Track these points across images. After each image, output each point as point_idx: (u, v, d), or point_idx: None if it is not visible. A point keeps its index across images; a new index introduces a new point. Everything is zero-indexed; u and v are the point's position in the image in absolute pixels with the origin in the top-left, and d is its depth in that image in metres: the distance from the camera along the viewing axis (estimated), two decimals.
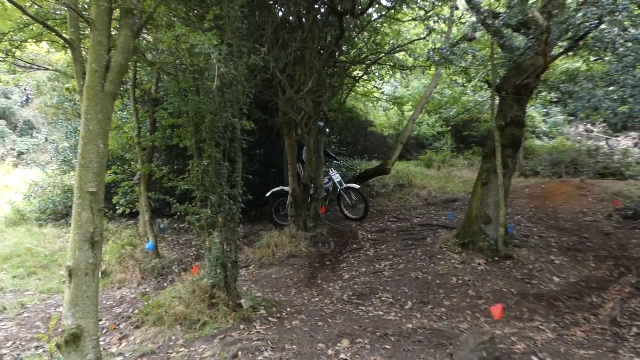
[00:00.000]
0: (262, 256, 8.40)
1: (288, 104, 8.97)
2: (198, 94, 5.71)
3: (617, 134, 12.60)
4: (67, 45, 3.70)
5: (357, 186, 10.87)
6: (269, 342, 4.54)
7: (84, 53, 3.95)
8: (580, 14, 6.06)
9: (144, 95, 8.94)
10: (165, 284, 7.14)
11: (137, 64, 7.83)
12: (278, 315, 5.49)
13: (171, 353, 4.40)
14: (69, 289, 2.96)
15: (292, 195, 9.54)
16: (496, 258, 7.31)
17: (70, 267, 2.96)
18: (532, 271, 7.01)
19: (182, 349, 4.49)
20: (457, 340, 4.53)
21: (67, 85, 9.27)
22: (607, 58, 7.38)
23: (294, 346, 4.52)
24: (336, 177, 10.89)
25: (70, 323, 2.87)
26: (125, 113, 10.35)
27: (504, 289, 6.49)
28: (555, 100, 14.51)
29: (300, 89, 8.74)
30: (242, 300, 5.41)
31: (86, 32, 5.25)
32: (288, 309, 5.79)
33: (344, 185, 10.81)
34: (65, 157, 12.55)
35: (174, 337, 4.81)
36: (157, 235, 8.50)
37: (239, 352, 4.29)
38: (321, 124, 10.24)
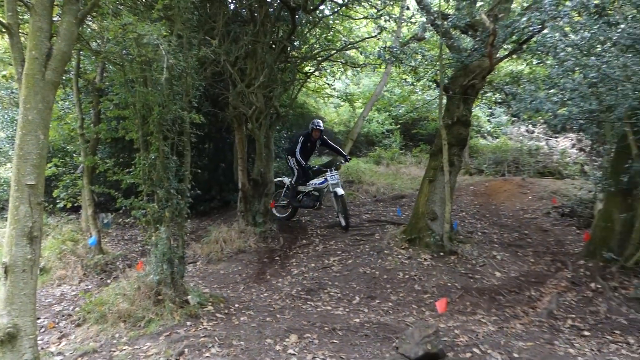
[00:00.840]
0: (210, 252, 8.28)
1: (239, 98, 8.88)
2: (146, 85, 5.56)
3: (557, 135, 13.17)
4: (3, 30, 3.52)
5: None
6: (216, 338, 4.50)
7: (23, 39, 3.76)
8: (524, 19, 6.29)
9: (88, 86, 8.63)
10: (108, 281, 6.93)
11: (81, 52, 7.54)
12: (226, 311, 5.44)
13: (114, 352, 4.28)
14: (5, 286, 2.82)
15: (241, 191, 9.46)
16: (441, 253, 7.51)
17: (6, 263, 2.83)
18: (475, 266, 7.25)
19: (126, 347, 4.37)
20: (403, 334, 4.63)
21: (3, 73, 8.82)
22: (548, 62, 7.69)
23: (241, 342, 4.49)
24: (333, 180, 9.50)
25: (6, 322, 2.74)
26: (67, 103, 9.96)
27: (449, 284, 6.68)
28: (499, 101, 15.06)
29: (252, 83, 8.66)
30: (189, 297, 5.33)
31: (25, 16, 5.01)
32: (236, 305, 5.74)
33: (341, 192, 9.35)
34: (1, 148, 11.97)
35: (117, 335, 4.68)
36: (101, 231, 8.24)
37: (186, 350, 4.23)
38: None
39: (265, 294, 6.55)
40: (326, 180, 9.60)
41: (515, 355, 4.48)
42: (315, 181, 9.81)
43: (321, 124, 9.82)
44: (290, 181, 9.88)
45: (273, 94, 9.47)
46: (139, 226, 8.74)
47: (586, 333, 5.23)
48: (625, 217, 6.48)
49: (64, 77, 8.80)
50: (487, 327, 5.42)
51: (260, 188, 9.57)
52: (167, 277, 5.22)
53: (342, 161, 10.45)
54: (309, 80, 12.57)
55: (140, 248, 8.85)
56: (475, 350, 4.59)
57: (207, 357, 4.12)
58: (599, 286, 6.11)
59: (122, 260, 7.94)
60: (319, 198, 9.68)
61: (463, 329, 5.28)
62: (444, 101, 8.27)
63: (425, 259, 7.35)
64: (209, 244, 8.52)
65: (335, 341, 4.72)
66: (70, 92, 9.14)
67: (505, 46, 8.28)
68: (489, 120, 19.74)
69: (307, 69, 11.95)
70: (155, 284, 5.20)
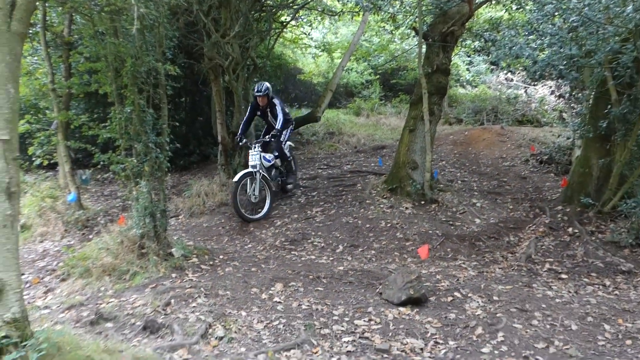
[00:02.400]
0: (192, 205, 8.25)
1: (214, 49, 8.65)
2: (117, 36, 5.36)
3: (535, 82, 13.20)
4: None
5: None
6: (202, 289, 4.54)
7: None
8: None
9: (56, 39, 8.29)
10: (90, 236, 6.89)
11: (47, 3, 7.20)
12: (211, 262, 5.48)
13: (101, 304, 4.29)
14: None
15: (221, 144, 9.35)
16: (422, 202, 7.60)
17: None
18: (455, 214, 7.37)
19: (112, 299, 4.39)
20: (386, 280, 4.73)
21: None
22: (528, 7, 7.63)
23: (227, 292, 4.54)
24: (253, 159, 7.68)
25: None
26: (36, 58, 9.59)
27: (430, 231, 6.79)
28: (478, 49, 14.95)
29: (227, 34, 8.42)
30: (173, 250, 5.33)
31: None
32: (221, 257, 5.78)
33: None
34: None
35: (103, 288, 4.69)
36: (80, 187, 8.13)
37: (172, 300, 4.26)
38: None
39: (249, 245, 6.59)
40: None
41: (495, 298, 4.62)
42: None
43: (263, 87, 7.98)
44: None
45: (249, 45, 9.26)
46: (119, 181, 8.61)
47: (563, 276, 5.40)
48: (603, 163, 6.59)
49: (30, 31, 8.44)
50: (468, 272, 5.55)
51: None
52: (150, 231, 5.21)
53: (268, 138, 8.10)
54: (285, 30, 12.29)
55: (120, 203, 8.77)
56: (456, 294, 4.71)
57: (194, 307, 4.17)
58: (576, 231, 6.27)
59: (103, 216, 7.88)
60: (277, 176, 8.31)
61: (444, 274, 5.41)
62: (423, 49, 8.17)
63: (406, 208, 7.44)
64: (190, 198, 8.48)
65: (320, 289, 4.80)
66: (38, 46, 8.78)
67: None
68: (468, 69, 19.67)
69: (283, 18, 11.65)
70: (138, 237, 5.18)
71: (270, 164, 8.01)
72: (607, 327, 4.02)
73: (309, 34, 14.26)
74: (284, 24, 11.37)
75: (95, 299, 4.45)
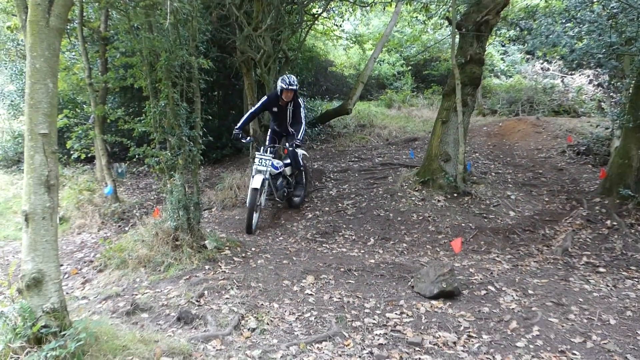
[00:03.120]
0: (225, 198, 8.35)
1: (246, 42, 8.69)
2: (151, 31, 5.44)
3: (573, 71, 12.84)
4: None
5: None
6: (234, 280, 4.59)
7: None
8: None
9: (93, 34, 8.48)
10: (126, 228, 7.05)
11: None
12: (243, 255, 5.53)
13: (136, 295, 4.39)
14: (27, 233, 2.87)
15: (253, 137, 9.41)
16: (455, 194, 7.51)
17: (26, 211, 2.86)
18: (489, 206, 7.25)
19: (148, 290, 4.49)
20: (418, 273, 4.69)
21: (8, 24, 8.67)
22: None
23: (259, 284, 4.58)
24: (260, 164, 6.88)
25: (31, 267, 2.80)
26: (74, 53, 9.85)
27: (463, 224, 6.70)
28: (513, 38, 14.62)
29: (259, 27, 8.45)
30: (206, 242, 5.41)
31: None
32: (252, 249, 5.83)
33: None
34: (12, 101, 11.98)
35: (138, 280, 4.80)
36: (116, 180, 8.32)
37: (205, 292, 4.32)
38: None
39: (280, 238, 6.63)
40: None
41: (530, 291, 4.53)
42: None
43: (294, 81, 7.08)
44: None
45: (281, 37, 9.27)
46: (153, 174, 8.80)
47: (601, 269, 5.26)
48: None
49: (68, 26, 8.66)
50: (502, 266, 5.46)
51: None
52: (184, 223, 5.29)
53: (287, 145, 7.24)
54: (317, 22, 12.25)
55: (155, 196, 8.94)
56: (490, 287, 4.64)
57: (227, 298, 4.22)
58: (615, 223, 6.10)
59: (138, 208, 8.05)
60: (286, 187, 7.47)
61: (478, 267, 5.33)
62: (457, 39, 8.03)
63: (439, 200, 7.35)
64: (223, 191, 8.58)
65: (351, 281, 4.80)
66: (76, 42, 9.01)
67: None
68: (502, 59, 19.26)
69: (314, 10, 11.61)
70: (172, 230, 5.27)
71: (278, 171, 7.13)
72: None
73: (340, 26, 14.18)
74: (316, 16, 11.33)
75: (131, 290, 4.56)
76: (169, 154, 5.40)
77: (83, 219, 7.53)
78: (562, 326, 3.82)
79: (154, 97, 5.47)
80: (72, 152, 8.85)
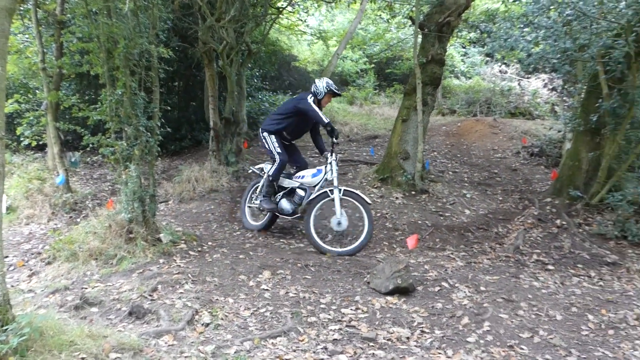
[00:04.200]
0: (182, 191, 8.21)
1: (208, 32, 8.56)
2: (110, 17, 5.28)
3: (529, 75, 13.22)
4: None
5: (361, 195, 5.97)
6: (189, 275, 4.52)
7: None
8: None
9: (48, 17, 8.16)
10: (78, 220, 6.83)
11: None
12: (199, 249, 5.45)
13: (86, 288, 4.27)
14: None
15: (213, 130, 9.28)
16: (413, 192, 7.61)
17: None
18: (445, 204, 7.39)
19: (98, 284, 4.36)
20: (374, 269, 4.73)
21: None
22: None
23: (215, 279, 4.53)
24: (332, 172, 5.99)
25: None
26: (27, 36, 9.46)
27: (419, 221, 6.81)
28: (474, 40, 14.92)
29: (222, 17, 8.33)
30: (161, 235, 5.30)
31: None
32: (209, 243, 5.76)
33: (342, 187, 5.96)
34: None
35: (89, 273, 4.66)
36: (68, 169, 8.04)
37: (159, 286, 4.24)
38: None
39: (238, 232, 6.56)
40: (319, 172, 6.22)
41: (482, 288, 4.64)
42: (306, 173, 6.37)
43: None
44: (267, 172, 6.30)
45: (244, 30, 9.17)
46: (108, 165, 8.56)
47: (550, 267, 5.44)
48: (592, 156, 6.62)
49: (21, 8, 8.32)
50: (456, 263, 5.57)
51: (232, 127, 9.43)
52: (139, 216, 5.17)
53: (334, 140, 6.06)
54: (281, 15, 12.19)
55: (109, 187, 8.72)
56: (444, 284, 4.73)
57: (181, 293, 4.15)
58: (564, 223, 6.30)
59: (91, 199, 7.82)
60: (302, 199, 6.17)
61: (432, 264, 5.42)
62: (419, 39, 8.13)
63: (397, 198, 7.44)
64: (180, 183, 8.44)
65: (308, 277, 4.80)
66: (30, 24, 8.66)
67: None
68: (462, 60, 19.64)
69: (279, 3, 11.54)
70: (126, 222, 5.14)
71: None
72: (590, 317, 4.05)
73: (304, 21, 14.17)
74: (280, 9, 11.27)
75: (80, 284, 4.42)
76: (125, 144, 5.26)
77: (32, 209, 7.25)
78: (512, 322, 3.93)
79: (111, 85, 5.32)
80: (22, 139, 8.53)
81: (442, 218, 6.97)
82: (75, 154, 9.56)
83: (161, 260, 4.91)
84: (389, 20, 12.57)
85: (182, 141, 11.60)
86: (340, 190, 5.87)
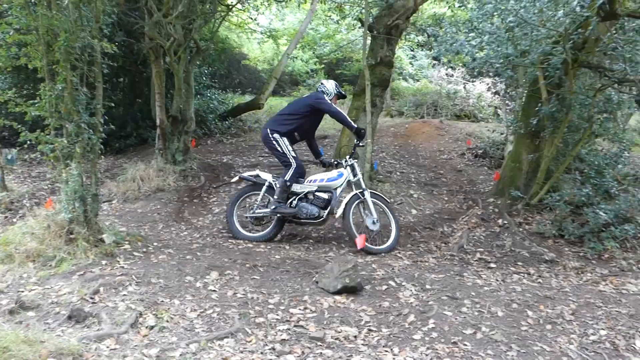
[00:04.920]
0: (127, 190, 7.98)
1: (155, 28, 8.34)
2: (50, 8, 5.05)
3: (474, 79, 13.62)
4: None
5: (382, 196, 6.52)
6: (133, 276, 4.39)
7: None
8: None
9: None
10: (14, 220, 6.52)
11: None
12: (144, 250, 5.31)
13: (22, 292, 4.07)
14: None
15: (159, 128, 9.07)
16: None
17: None
18: (393, 204, 7.50)
19: (36, 287, 4.17)
20: (323, 269, 4.75)
21: None
22: (469, 5, 7.84)
23: (160, 280, 4.42)
24: (356, 173, 6.35)
25: None
26: None
27: None
28: (422, 43, 15.24)
29: (169, 13, 8.14)
30: (104, 235, 5.12)
31: None
32: (155, 244, 5.62)
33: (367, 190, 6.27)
34: None
35: (25, 275, 4.44)
36: (4, 167, 7.67)
37: (101, 288, 4.10)
38: None
39: (185, 233, 6.45)
40: (341, 175, 6.30)
41: (428, 286, 4.74)
42: (323, 177, 6.37)
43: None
44: (283, 177, 6.12)
45: (193, 26, 9.00)
46: (47, 162, 8.20)
47: (492, 265, 5.62)
48: (532, 158, 6.90)
49: None
50: (403, 262, 5.67)
51: (179, 125, 9.24)
52: (80, 216, 4.98)
53: (359, 143, 6.41)
54: (231, 13, 12.05)
55: (48, 186, 8.35)
56: (391, 282, 4.80)
57: (124, 295, 4.03)
58: (506, 222, 6.54)
59: (29, 198, 7.48)
60: (329, 203, 6.14)
61: (380, 263, 5.50)
62: (368, 41, 8.23)
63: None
64: (125, 182, 8.19)
65: (256, 277, 4.76)
66: None
67: None
68: (411, 63, 20.02)
69: (229, 1, 11.41)
70: (66, 222, 4.94)
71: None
72: (530, 313, 4.21)
73: (255, 19, 14.05)
74: (230, 7, 11.12)
75: (16, 287, 4.21)
76: (66, 141, 5.05)
77: None
78: (456, 319, 4.03)
79: (51, 80, 5.09)
80: None
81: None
82: (12, 151, 9.12)
83: (104, 262, 4.75)
84: (339, 22, 12.67)
85: (127, 139, 11.27)
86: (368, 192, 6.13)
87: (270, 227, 6.29)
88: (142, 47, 9.27)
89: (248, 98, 14.93)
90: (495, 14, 6.32)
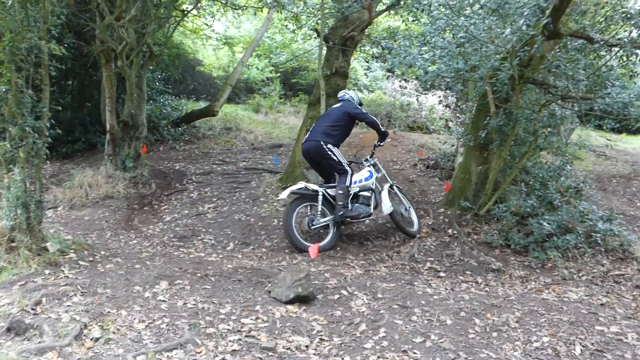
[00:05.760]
0: (74, 197, 7.71)
1: (107, 31, 8.15)
2: None
3: (426, 92, 13.94)
4: None
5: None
6: (78, 286, 4.24)
7: None
8: None
9: None
10: None
11: None
12: (90, 259, 5.14)
13: None
14: None
15: (109, 133, 8.83)
16: None
17: None
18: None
19: None
20: (276, 278, 4.73)
21: None
22: (423, 20, 8.02)
23: (107, 290, 4.29)
24: (379, 170, 7.14)
25: None
26: None
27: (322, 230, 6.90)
28: (376, 55, 15.48)
29: (122, 17, 7.97)
30: (48, 244, 4.93)
31: None
32: (102, 253, 5.45)
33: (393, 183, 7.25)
34: None
35: None
36: None
37: (43, 299, 3.93)
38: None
39: (134, 241, 6.29)
40: (371, 174, 6.92)
41: (379, 295, 4.79)
42: (359, 177, 6.80)
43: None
44: (344, 184, 6.45)
45: (146, 31, 8.84)
46: None
47: (442, 274, 5.74)
48: (481, 170, 7.11)
49: None
50: (355, 271, 5.71)
51: (130, 131, 9.03)
52: (22, 223, 4.78)
53: (379, 143, 7.11)
54: (186, 19, 11.91)
55: None
56: (343, 292, 4.82)
57: (68, 306, 3.88)
58: (455, 232, 6.70)
59: None
60: (371, 200, 6.72)
61: (333, 272, 5.52)
62: (324, 51, 8.31)
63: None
64: (72, 189, 7.92)
65: (207, 287, 4.69)
66: None
67: (384, 1, 8.49)
68: (366, 74, 20.30)
69: (184, 6, 11.27)
70: (8, 230, 4.73)
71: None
72: (477, 321, 4.31)
73: (210, 26, 13.93)
74: (185, 12, 11.00)
75: None
76: (8, 145, 4.85)
77: None
78: (406, 327, 4.09)
79: None
80: None
81: (343, 227, 7.12)
82: None
83: (47, 271, 4.56)
84: (295, 31, 12.73)
85: (74, 144, 10.92)
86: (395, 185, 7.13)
87: (332, 233, 6.54)
88: (93, 50, 9.04)
89: (202, 105, 14.76)
90: (446, 29, 6.51)
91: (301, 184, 6.52)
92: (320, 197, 6.40)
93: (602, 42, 5.32)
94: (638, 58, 5.66)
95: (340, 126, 6.54)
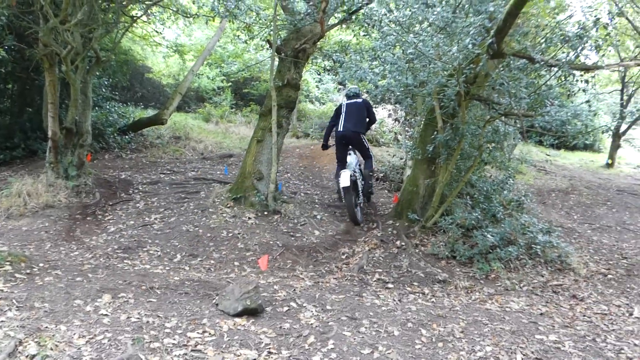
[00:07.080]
0: (11, 206, 7.34)
1: (51, 34, 7.85)
2: None
3: (376, 105, 14.17)
4: None
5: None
6: (14, 300, 4.04)
7: None
8: None
9: None
10: None
11: None
12: (27, 271, 4.91)
13: None
14: None
15: (51, 140, 8.48)
16: (265, 213, 7.68)
17: None
18: (296, 225, 7.55)
19: None
20: (223, 291, 4.65)
21: None
22: (373, 35, 8.19)
23: (45, 304, 4.10)
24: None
25: None
26: None
27: (271, 242, 6.87)
28: (328, 68, 15.64)
29: (67, 20, 7.70)
30: None
31: None
32: (40, 265, 5.21)
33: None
34: None
35: None
36: None
37: None
38: None
39: (76, 253, 6.05)
40: (357, 158, 8.57)
41: (329, 307, 4.80)
42: (353, 161, 8.32)
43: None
44: (370, 167, 8.51)
45: (93, 35, 8.58)
46: None
47: (390, 285, 5.81)
48: (428, 183, 7.27)
49: None
50: (305, 282, 5.70)
51: (74, 138, 8.72)
52: None
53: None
54: (135, 25, 11.67)
55: None
56: (292, 304, 4.80)
57: (2, 321, 3.68)
58: (403, 244, 6.81)
59: None
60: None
61: (282, 284, 5.49)
62: (276, 62, 8.31)
63: (249, 218, 7.44)
64: (9, 197, 7.54)
65: (152, 300, 4.56)
66: None
67: (336, 15, 8.59)
68: (317, 86, 20.46)
69: (134, 12, 11.04)
70: None
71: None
72: (424, 331, 4.39)
73: (161, 33, 13.70)
74: (134, 18, 10.76)
75: None
76: None
77: None
78: (354, 339, 4.10)
79: None
80: None
81: (293, 239, 7.12)
82: None
83: None
84: (247, 42, 12.69)
85: (13, 150, 10.44)
86: None
87: (359, 208, 8.02)
88: (35, 53, 8.69)
89: (151, 112, 14.45)
90: (396, 45, 6.66)
91: (350, 171, 7.62)
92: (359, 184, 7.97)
93: (542, 62, 5.56)
94: (575, 78, 5.95)
95: (364, 117, 8.17)
